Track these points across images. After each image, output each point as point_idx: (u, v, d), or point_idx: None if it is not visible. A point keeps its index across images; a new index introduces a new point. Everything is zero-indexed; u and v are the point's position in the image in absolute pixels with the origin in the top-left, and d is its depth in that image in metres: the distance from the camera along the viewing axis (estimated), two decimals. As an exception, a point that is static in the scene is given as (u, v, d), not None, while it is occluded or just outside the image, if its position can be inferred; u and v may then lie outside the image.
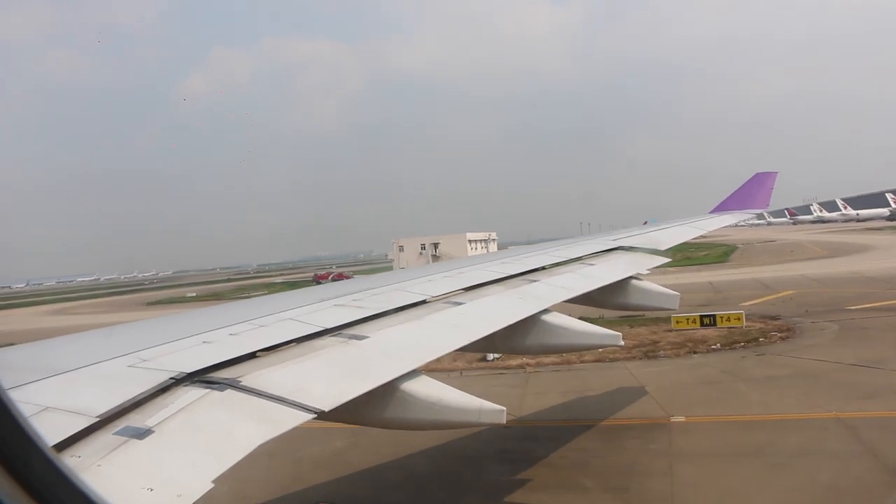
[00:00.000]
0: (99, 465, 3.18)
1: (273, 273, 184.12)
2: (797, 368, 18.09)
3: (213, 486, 3.35)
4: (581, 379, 19.13)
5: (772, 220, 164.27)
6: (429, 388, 5.66)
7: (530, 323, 8.15)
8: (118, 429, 3.54)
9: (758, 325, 24.57)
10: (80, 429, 3.38)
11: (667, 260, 13.06)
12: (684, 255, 62.51)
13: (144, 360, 4.50)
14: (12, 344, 6.14)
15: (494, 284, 8.83)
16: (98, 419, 3.53)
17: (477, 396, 6.00)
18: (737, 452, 12.31)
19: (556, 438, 13.84)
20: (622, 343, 9.09)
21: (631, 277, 11.39)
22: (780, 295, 32.67)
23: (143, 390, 3.96)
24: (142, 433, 3.55)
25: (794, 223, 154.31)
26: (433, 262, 67.60)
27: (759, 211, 19.39)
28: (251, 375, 4.55)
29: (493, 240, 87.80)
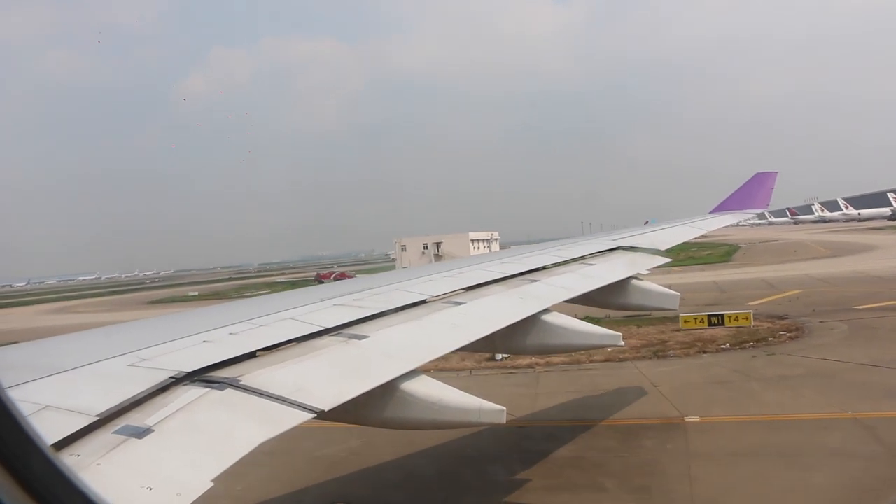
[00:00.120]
0: (98, 464, 3.18)
1: (274, 272, 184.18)
2: (809, 368, 18.05)
3: (212, 485, 3.35)
4: (591, 379, 19.14)
5: (773, 219, 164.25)
6: (429, 388, 5.66)
7: (530, 323, 8.15)
8: (118, 428, 3.55)
9: (766, 325, 24.55)
10: (79, 428, 3.39)
11: (667, 260, 13.07)
12: (687, 255, 62.54)
13: (144, 360, 4.50)
14: (12, 342, 6.16)
15: (495, 284, 8.82)
16: (97, 418, 3.53)
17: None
18: (756, 453, 12.18)
19: (574, 439, 13.85)
20: (622, 343, 9.09)
21: (631, 277, 11.39)
22: (786, 294, 32.63)
23: (142, 389, 3.96)
24: (141, 432, 3.55)
25: (795, 223, 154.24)
26: (436, 261, 67.63)
27: (759, 211, 19.39)
28: (251, 375, 4.55)
29: (496, 239, 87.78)
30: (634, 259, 12.37)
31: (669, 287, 12.40)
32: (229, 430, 3.95)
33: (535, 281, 9.38)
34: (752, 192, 18.62)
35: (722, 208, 18.62)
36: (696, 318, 24.77)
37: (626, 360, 20.63)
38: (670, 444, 12.99)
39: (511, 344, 8.59)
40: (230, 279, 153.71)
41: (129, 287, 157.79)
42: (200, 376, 4.36)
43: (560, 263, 10.80)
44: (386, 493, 12.14)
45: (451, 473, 12.69)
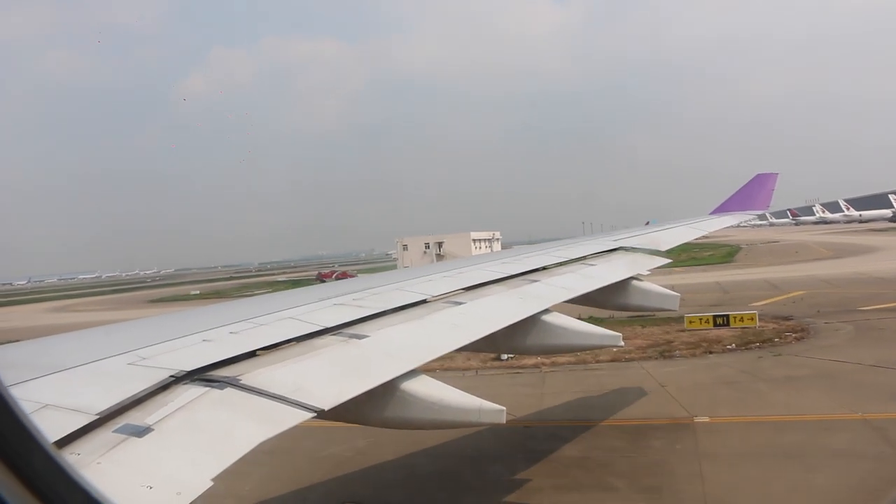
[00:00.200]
0: (98, 463, 3.19)
1: (275, 272, 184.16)
2: (816, 369, 18.05)
3: (212, 484, 3.36)
4: (598, 379, 19.13)
5: (774, 220, 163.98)
6: (429, 388, 5.67)
7: (531, 323, 8.16)
8: (118, 426, 3.55)
9: (771, 326, 24.57)
10: (79, 426, 3.40)
11: (668, 261, 13.08)
12: (689, 256, 62.49)
13: (144, 358, 4.51)
14: (13, 341, 6.17)
15: (495, 284, 8.83)
16: (98, 417, 3.54)
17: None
18: (766, 454, 12.15)
19: (582, 438, 13.86)
20: (622, 344, 9.11)
21: (632, 278, 11.40)
22: (790, 295, 32.59)
23: (142, 388, 3.97)
24: (141, 431, 3.56)
25: (796, 224, 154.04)
26: (437, 260, 67.58)
27: (759, 212, 19.41)
28: (251, 374, 4.56)
29: (497, 239, 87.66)
30: (635, 259, 12.38)
31: (672, 288, 12.41)
32: (229, 429, 3.95)
33: (536, 281, 9.38)
34: (752, 193, 18.63)
35: (722, 209, 18.63)
36: (701, 319, 24.76)
37: (632, 360, 20.65)
38: (680, 445, 12.97)
39: (512, 344, 8.60)
40: (231, 278, 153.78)
41: (130, 286, 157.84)
42: (200, 375, 4.37)
43: (561, 264, 10.81)
44: (394, 494, 12.12)
45: (456, 473, 12.69)
